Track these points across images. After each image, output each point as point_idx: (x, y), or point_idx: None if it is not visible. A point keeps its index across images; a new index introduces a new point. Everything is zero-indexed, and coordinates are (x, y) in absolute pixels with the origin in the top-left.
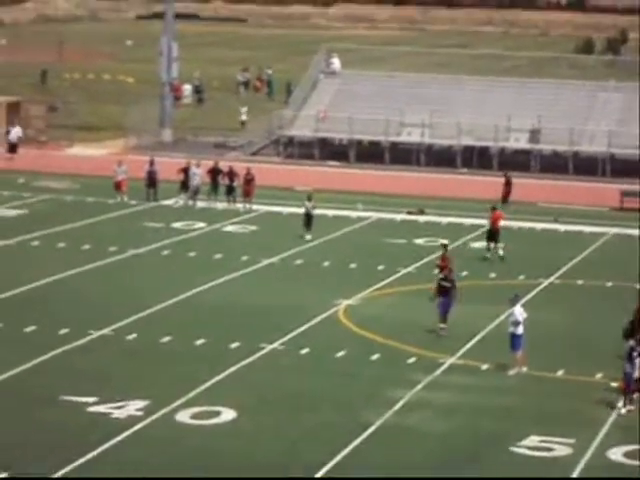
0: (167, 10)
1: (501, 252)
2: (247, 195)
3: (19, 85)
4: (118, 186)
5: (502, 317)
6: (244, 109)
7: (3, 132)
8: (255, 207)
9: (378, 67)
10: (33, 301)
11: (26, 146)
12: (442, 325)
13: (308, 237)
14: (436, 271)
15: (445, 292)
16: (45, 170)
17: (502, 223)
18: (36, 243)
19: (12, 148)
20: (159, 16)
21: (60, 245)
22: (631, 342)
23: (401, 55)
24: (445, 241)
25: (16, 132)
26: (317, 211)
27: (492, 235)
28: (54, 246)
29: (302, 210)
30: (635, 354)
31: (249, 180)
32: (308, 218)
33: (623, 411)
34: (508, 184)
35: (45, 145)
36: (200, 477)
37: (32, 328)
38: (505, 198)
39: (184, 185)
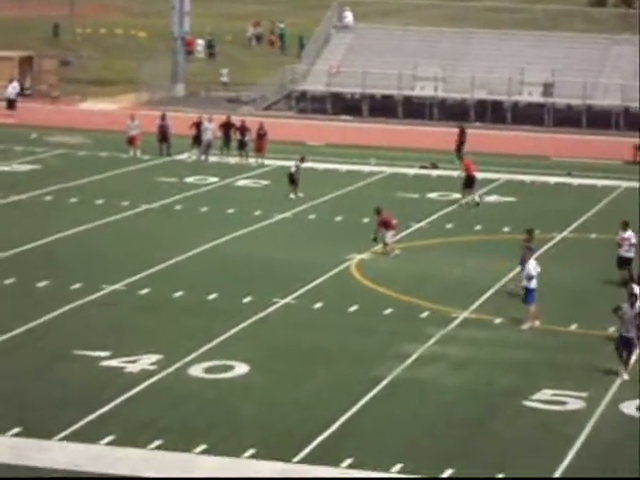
0: None
1: (477, 199)
2: (259, 150)
3: (31, 39)
4: (131, 141)
5: (515, 271)
6: (225, 70)
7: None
8: (267, 162)
9: (391, 20)
10: (45, 256)
11: (38, 101)
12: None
13: (292, 196)
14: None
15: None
16: (58, 125)
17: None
18: (49, 198)
19: (10, 104)
20: None
21: (73, 200)
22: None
23: (414, 8)
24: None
25: (14, 87)
26: (330, 165)
27: (469, 183)
28: (67, 201)
29: (292, 169)
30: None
31: (262, 135)
32: (292, 178)
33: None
34: (462, 134)
35: (57, 100)
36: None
37: (45, 283)
38: (459, 148)
39: (196, 140)
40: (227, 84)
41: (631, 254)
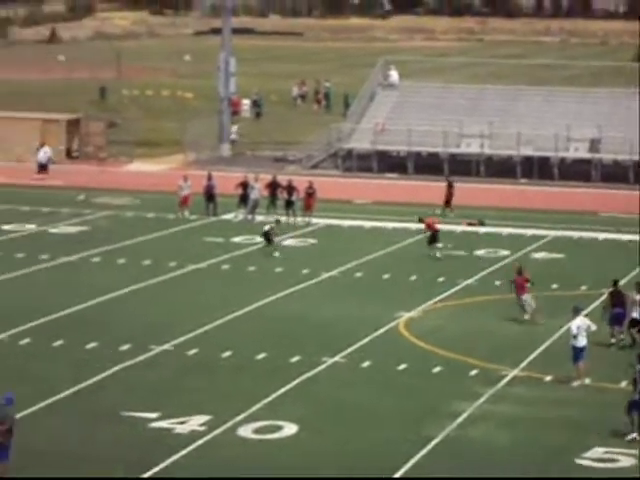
0: (225, 25)
1: (438, 254)
2: (308, 208)
3: (78, 102)
4: (184, 201)
5: (564, 328)
6: (234, 127)
7: (64, 149)
8: (314, 220)
9: (436, 78)
10: (94, 317)
11: (86, 162)
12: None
13: (276, 254)
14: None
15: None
16: (105, 186)
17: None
18: (97, 259)
19: (42, 168)
20: (217, 31)
21: (121, 261)
22: None
23: (459, 66)
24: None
25: (45, 152)
26: (377, 223)
27: (433, 238)
28: (115, 262)
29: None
30: None
31: (310, 194)
32: (268, 237)
33: None
34: (450, 187)
35: (104, 161)
36: None
37: (93, 344)
38: (447, 202)
39: (243, 199)
40: (235, 142)
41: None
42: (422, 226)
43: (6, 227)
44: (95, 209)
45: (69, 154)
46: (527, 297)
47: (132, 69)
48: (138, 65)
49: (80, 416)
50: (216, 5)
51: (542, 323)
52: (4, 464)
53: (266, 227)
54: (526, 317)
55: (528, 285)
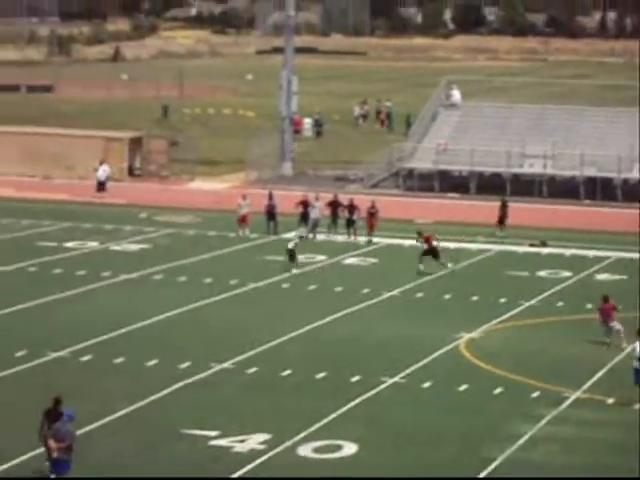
0: (287, 44)
1: (421, 267)
2: (371, 228)
3: (141, 120)
4: (242, 220)
5: (628, 350)
6: (293, 145)
7: (126, 166)
8: (375, 240)
9: (498, 98)
10: (155, 335)
11: (148, 181)
12: None
13: (295, 271)
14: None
15: None
16: (166, 204)
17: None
18: (158, 277)
19: (100, 186)
20: (279, 50)
21: (182, 279)
22: None
23: (522, 86)
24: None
25: (104, 170)
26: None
27: (433, 254)
28: (176, 280)
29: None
30: None
31: (373, 213)
32: (291, 254)
33: None
34: (504, 207)
35: (166, 179)
36: None
37: (154, 362)
38: (502, 220)
39: (303, 218)
40: (295, 159)
41: None
42: (417, 239)
43: (68, 244)
44: (157, 227)
45: (131, 172)
46: (615, 324)
47: (194, 88)
48: (200, 84)
49: (140, 433)
50: (278, 24)
51: (624, 347)
52: None
53: (290, 244)
54: (608, 340)
55: (615, 312)
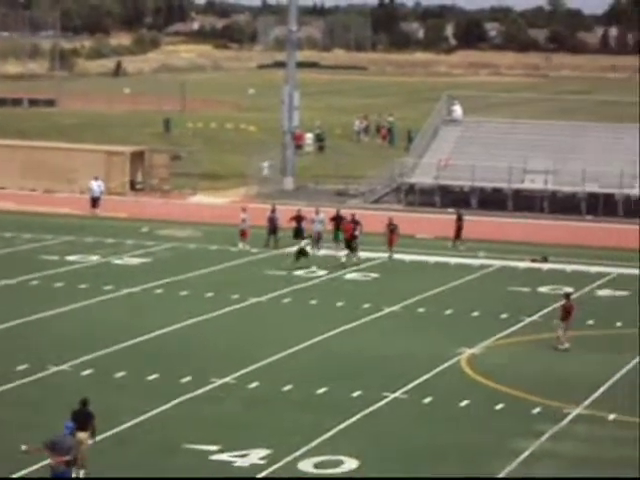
0: (289, 59)
1: (344, 259)
2: (390, 244)
3: (143, 134)
4: (243, 234)
5: (629, 366)
6: (266, 163)
7: (128, 180)
8: (375, 255)
9: (500, 114)
10: (156, 349)
11: (150, 195)
12: None
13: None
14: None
15: None
16: (168, 218)
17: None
18: (159, 291)
19: (94, 202)
20: (281, 65)
21: (183, 293)
22: None
23: (524, 101)
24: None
25: (98, 186)
26: (440, 259)
27: (349, 245)
28: (177, 294)
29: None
30: None
31: (392, 229)
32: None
33: None
34: (459, 220)
35: (168, 194)
36: None
37: (155, 376)
38: (457, 234)
39: (297, 233)
40: (268, 178)
41: None
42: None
43: (70, 258)
44: (158, 241)
45: (133, 186)
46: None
47: (196, 102)
48: (202, 98)
49: (140, 448)
50: (280, 39)
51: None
52: None
53: (302, 243)
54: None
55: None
